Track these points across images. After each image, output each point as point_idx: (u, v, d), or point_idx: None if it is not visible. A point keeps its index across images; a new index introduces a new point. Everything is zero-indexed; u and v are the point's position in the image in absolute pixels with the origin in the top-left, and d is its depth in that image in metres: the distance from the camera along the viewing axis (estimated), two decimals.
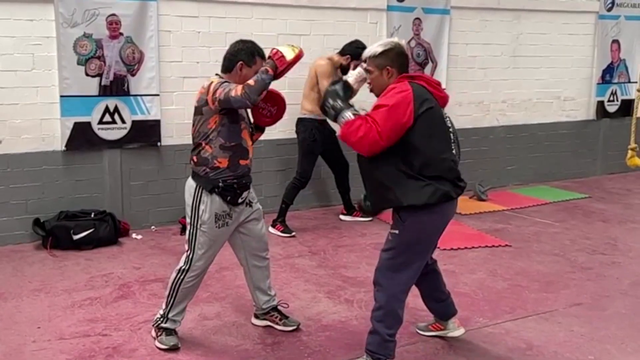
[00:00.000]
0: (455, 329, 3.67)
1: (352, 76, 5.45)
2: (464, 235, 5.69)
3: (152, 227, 5.96)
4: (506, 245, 5.55)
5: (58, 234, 5.31)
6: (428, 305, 3.70)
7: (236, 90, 3.28)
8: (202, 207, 3.48)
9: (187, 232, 3.57)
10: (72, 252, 5.24)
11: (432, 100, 3.17)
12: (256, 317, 3.95)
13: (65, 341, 3.68)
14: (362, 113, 3.16)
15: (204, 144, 3.46)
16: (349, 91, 3.29)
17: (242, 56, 3.47)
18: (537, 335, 3.80)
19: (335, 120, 3.21)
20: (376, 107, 3.12)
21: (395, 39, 3.35)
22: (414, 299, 3.96)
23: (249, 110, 3.66)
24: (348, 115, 3.13)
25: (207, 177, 3.47)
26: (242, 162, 3.50)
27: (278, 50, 3.34)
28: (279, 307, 3.91)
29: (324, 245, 5.52)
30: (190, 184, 3.55)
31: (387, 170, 3.13)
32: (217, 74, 3.55)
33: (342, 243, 5.61)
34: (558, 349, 3.63)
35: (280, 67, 3.32)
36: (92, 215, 5.51)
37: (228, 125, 3.42)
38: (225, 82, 3.42)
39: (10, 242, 5.43)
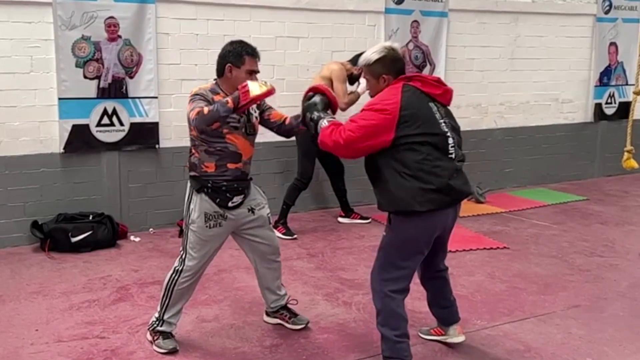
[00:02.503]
0: (455, 336, 3.65)
1: (362, 83, 5.64)
2: (462, 237, 5.69)
3: (150, 229, 5.96)
4: (504, 247, 5.56)
5: (56, 236, 5.31)
6: (432, 309, 3.69)
7: (192, 113, 3.25)
8: (192, 206, 3.49)
9: (183, 232, 3.60)
10: (70, 255, 5.24)
11: (422, 106, 3.14)
12: (267, 314, 3.99)
13: (63, 344, 3.67)
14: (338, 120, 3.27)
15: (192, 150, 3.50)
16: (326, 101, 3.41)
17: (230, 58, 3.44)
18: (535, 338, 3.81)
19: (316, 131, 3.31)
20: (361, 111, 3.18)
21: (388, 43, 3.33)
22: (412, 301, 3.97)
23: (254, 107, 3.59)
24: (324, 123, 3.25)
25: (197, 178, 3.49)
26: (231, 165, 3.47)
27: (246, 85, 3.22)
28: (288, 306, 3.93)
29: (322, 248, 5.53)
30: (187, 185, 3.58)
31: (383, 174, 3.15)
32: (214, 79, 3.55)
33: (340, 245, 5.61)
34: (556, 351, 3.64)
35: (243, 101, 3.20)
36: (91, 218, 5.51)
37: (208, 132, 3.38)
38: (197, 94, 3.38)
39: (8, 244, 5.43)
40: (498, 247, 5.55)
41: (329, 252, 5.40)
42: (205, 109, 3.22)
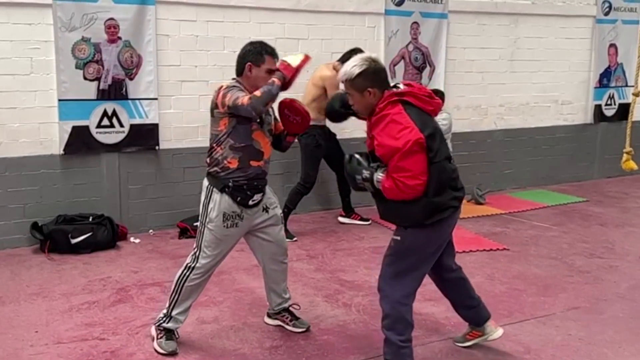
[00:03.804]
0: (494, 331, 3.64)
1: None
2: (462, 239, 5.68)
3: (150, 230, 5.96)
4: (504, 249, 5.56)
5: (56, 237, 5.31)
6: (460, 313, 3.66)
7: (243, 99, 3.31)
8: (211, 205, 3.52)
9: (198, 230, 3.62)
10: (70, 256, 5.24)
11: (429, 120, 3.09)
12: (268, 316, 4.00)
13: (63, 345, 3.67)
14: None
15: (215, 146, 3.53)
16: (366, 153, 3.22)
17: (250, 57, 3.51)
18: (534, 339, 3.81)
19: (375, 188, 3.12)
20: (390, 152, 2.97)
21: (367, 54, 3.20)
22: (414, 302, 3.96)
23: (272, 109, 3.66)
24: (378, 177, 3.07)
25: (218, 176, 3.51)
26: (253, 163, 3.53)
27: (284, 61, 3.41)
28: (290, 309, 3.94)
29: (322, 249, 5.52)
30: (205, 184, 3.61)
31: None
32: (233, 78, 3.59)
33: (340, 247, 5.61)
34: (556, 353, 3.64)
35: (288, 75, 3.38)
36: (90, 219, 5.51)
37: (237, 127, 3.45)
38: (235, 86, 3.46)
39: (8, 245, 5.42)
40: (498, 249, 5.55)
41: (329, 254, 5.40)
42: (258, 92, 3.32)
